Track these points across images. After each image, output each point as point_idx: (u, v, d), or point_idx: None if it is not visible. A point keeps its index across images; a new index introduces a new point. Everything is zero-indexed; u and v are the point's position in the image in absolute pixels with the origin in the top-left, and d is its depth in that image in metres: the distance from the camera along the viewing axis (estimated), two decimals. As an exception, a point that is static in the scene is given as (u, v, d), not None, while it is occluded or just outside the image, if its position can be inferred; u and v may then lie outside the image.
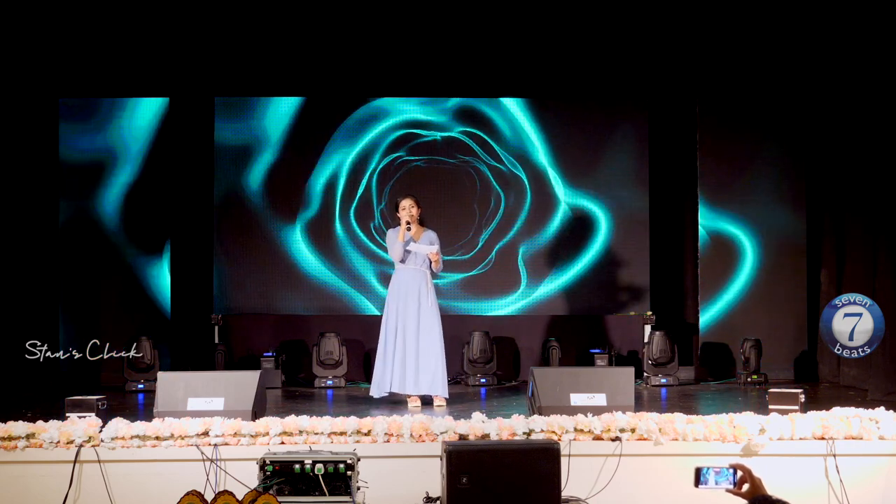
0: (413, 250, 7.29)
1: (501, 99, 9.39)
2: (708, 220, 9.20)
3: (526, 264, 9.36)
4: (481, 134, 9.37)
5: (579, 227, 9.37)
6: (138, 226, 9.12)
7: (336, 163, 9.34)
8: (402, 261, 7.33)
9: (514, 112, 9.40)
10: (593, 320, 9.43)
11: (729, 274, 9.21)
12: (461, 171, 9.36)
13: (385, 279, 8.98)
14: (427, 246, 7.27)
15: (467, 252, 9.33)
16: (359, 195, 9.34)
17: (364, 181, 9.35)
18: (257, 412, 6.08)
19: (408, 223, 7.26)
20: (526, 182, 9.37)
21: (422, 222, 7.44)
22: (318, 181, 9.33)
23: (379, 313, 8.98)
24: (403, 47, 9.10)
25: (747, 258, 9.21)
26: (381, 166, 9.35)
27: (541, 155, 9.38)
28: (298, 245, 9.33)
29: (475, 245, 9.35)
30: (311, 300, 9.33)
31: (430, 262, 7.32)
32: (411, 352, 7.22)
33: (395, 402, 7.31)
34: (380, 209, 9.31)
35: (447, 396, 7.29)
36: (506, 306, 9.36)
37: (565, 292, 9.36)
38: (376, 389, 7.29)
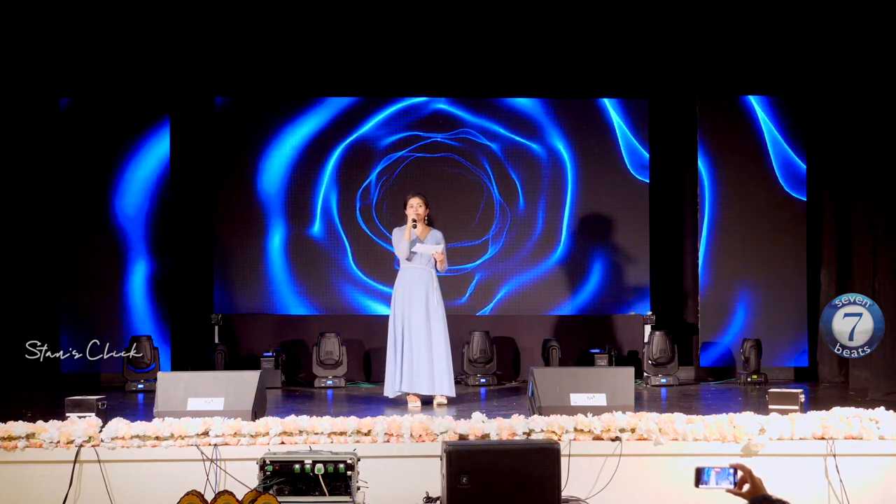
0: (418, 251, 7.29)
1: (500, 99, 9.38)
2: (708, 219, 9.21)
3: (525, 265, 9.36)
4: (480, 134, 9.36)
5: (578, 228, 9.36)
6: (138, 225, 9.11)
7: (337, 162, 9.34)
8: (408, 259, 7.34)
9: (513, 112, 9.39)
10: (593, 320, 9.42)
11: (729, 273, 9.21)
12: (461, 170, 9.34)
13: (385, 278, 8.99)
14: (432, 246, 7.28)
15: (466, 252, 9.32)
16: (360, 195, 9.34)
17: (365, 181, 9.34)
18: (257, 412, 6.08)
19: (413, 221, 7.27)
20: (525, 182, 9.37)
21: (430, 222, 7.44)
22: (319, 181, 9.33)
23: (379, 313, 9.03)
24: (402, 45, 9.11)
25: (748, 258, 9.21)
26: (382, 166, 9.34)
27: (539, 155, 9.38)
28: (299, 245, 9.32)
29: (474, 246, 9.34)
30: (311, 300, 9.33)
31: (435, 262, 7.32)
32: (421, 351, 7.21)
33: (396, 402, 7.31)
34: (380, 208, 9.30)
35: (454, 395, 7.30)
36: (506, 306, 9.36)
37: (565, 292, 9.35)
38: (390, 389, 7.29)
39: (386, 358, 7.38)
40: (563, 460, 5.11)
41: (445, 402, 7.27)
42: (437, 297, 7.33)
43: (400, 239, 7.35)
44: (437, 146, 9.35)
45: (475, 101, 9.38)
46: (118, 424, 5.61)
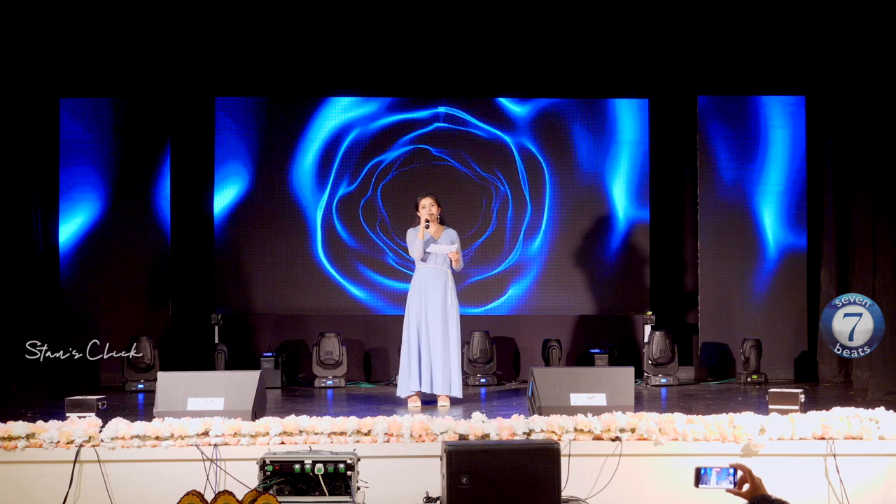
0: (433, 251, 7.28)
1: (497, 98, 9.37)
2: (709, 219, 9.21)
3: (525, 265, 9.35)
4: (478, 134, 9.36)
5: (578, 227, 9.35)
6: (138, 225, 9.11)
7: (338, 163, 9.34)
8: (423, 260, 7.33)
9: (512, 111, 9.39)
10: (593, 320, 9.42)
11: (729, 273, 9.21)
12: (459, 171, 9.34)
13: (386, 277, 9.01)
14: (447, 245, 7.26)
15: (466, 253, 9.32)
16: (361, 195, 9.33)
17: (368, 181, 9.33)
18: (257, 412, 6.08)
19: (427, 221, 7.26)
20: (524, 182, 9.36)
21: (442, 221, 7.43)
22: (320, 181, 9.33)
23: (379, 313, 9.04)
24: (401, 45, 9.12)
25: (748, 257, 9.21)
26: (383, 166, 9.34)
27: (538, 154, 9.37)
28: (299, 245, 9.31)
29: (474, 247, 9.34)
30: (311, 300, 9.33)
31: (451, 261, 7.32)
32: (437, 352, 7.19)
33: (397, 402, 7.31)
34: (381, 207, 9.30)
35: (461, 397, 7.30)
36: (506, 306, 9.35)
37: (566, 292, 9.34)
38: (404, 390, 7.26)
39: (400, 358, 7.32)
40: (563, 460, 5.11)
41: (448, 402, 7.27)
42: (452, 297, 7.30)
43: (414, 239, 7.33)
44: (433, 148, 9.32)
45: (468, 100, 9.34)
46: (118, 424, 5.61)
